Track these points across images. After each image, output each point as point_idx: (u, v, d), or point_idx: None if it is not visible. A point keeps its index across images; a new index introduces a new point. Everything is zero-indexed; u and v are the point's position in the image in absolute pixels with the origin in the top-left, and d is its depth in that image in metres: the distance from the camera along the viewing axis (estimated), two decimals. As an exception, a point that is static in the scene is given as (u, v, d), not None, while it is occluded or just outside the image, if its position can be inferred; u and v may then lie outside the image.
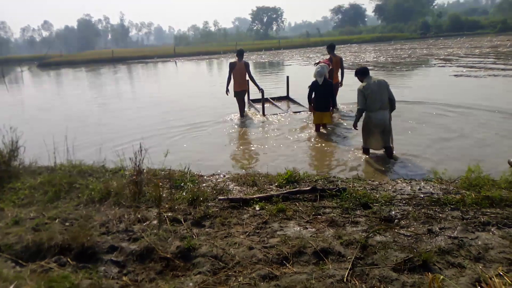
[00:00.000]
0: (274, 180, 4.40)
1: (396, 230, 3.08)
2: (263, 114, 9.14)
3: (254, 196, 3.86)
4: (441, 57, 23.03)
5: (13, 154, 4.70)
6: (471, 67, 16.86)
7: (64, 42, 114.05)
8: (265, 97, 9.39)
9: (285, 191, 3.94)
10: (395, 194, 3.88)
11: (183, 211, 3.59)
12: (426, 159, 5.62)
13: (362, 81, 5.67)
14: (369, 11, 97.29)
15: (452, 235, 2.98)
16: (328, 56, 8.89)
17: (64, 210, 3.64)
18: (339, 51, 37.28)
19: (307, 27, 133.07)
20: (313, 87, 7.17)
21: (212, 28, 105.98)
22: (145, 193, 3.96)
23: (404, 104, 8.95)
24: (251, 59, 34.52)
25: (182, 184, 4.28)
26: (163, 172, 4.74)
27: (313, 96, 7.16)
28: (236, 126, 8.53)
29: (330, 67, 8.11)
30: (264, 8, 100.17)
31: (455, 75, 14.62)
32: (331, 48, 8.95)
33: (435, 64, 19.46)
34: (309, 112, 8.50)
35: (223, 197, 3.89)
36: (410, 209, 3.46)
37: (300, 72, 20.42)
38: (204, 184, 4.41)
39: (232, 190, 4.18)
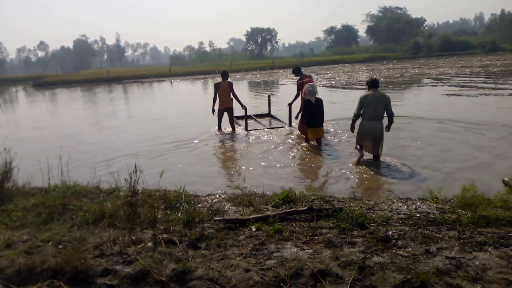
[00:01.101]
0: (270, 200, 4.38)
1: (393, 251, 3.06)
2: (246, 130, 9.78)
3: (250, 216, 3.83)
4: (433, 77, 23.46)
5: (7, 176, 4.65)
6: (463, 86, 17.18)
7: (59, 62, 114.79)
8: (249, 114, 10.25)
9: (281, 212, 3.92)
10: (391, 214, 3.87)
11: (178, 233, 3.54)
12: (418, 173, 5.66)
13: (369, 90, 6.40)
14: (361, 32, 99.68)
15: (450, 255, 2.97)
16: (300, 78, 9.12)
17: (57, 232, 3.58)
18: (333, 70, 37.92)
19: (301, 47, 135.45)
20: (307, 105, 7.52)
21: (208, 49, 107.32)
22: (140, 214, 3.92)
23: (403, 119, 9.50)
24: (245, 78, 34.89)
25: (177, 205, 4.24)
26: (158, 193, 4.70)
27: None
28: (222, 142, 8.95)
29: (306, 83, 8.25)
30: (258, 29, 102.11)
31: (447, 94, 14.87)
32: (297, 70, 9.41)
33: (427, 84, 19.81)
34: (288, 128, 9.73)
35: (219, 217, 3.86)
36: (407, 229, 3.45)
37: (294, 91, 20.64)
38: (199, 205, 4.37)
39: (228, 211, 4.15)
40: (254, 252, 3.15)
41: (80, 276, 2.85)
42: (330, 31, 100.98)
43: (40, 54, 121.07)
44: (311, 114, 7.50)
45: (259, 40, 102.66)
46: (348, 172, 6.05)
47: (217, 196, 4.79)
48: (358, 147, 6.55)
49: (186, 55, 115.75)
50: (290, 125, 10.01)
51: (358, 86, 20.35)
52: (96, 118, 14.89)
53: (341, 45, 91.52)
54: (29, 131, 12.56)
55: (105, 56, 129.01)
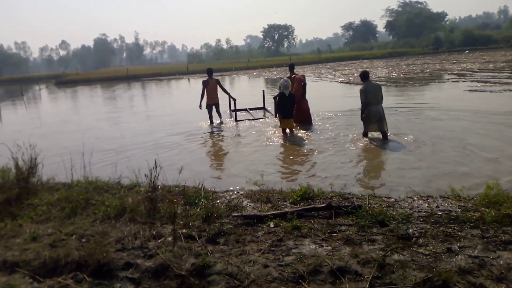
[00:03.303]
0: (288, 196, 4.38)
1: (414, 249, 3.02)
2: (235, 121, 10.80)
3: (269, 213, 3.84)
4: (455, 72, 22.88)
5: (32, 171, 4.79)
6: (486, 82, 16.69)
7: (80, 61, 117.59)
8: (245, 108, 11.99)
9: (299, 208, 3.91)
10: (412, 211, 3.81)
11: (197, 228, 3.59)
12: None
13: (363, 83, 7.64)
14: (380, 27, 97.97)
15: (473, 254, 2.91)
16: (293, 75, 10.10)
17: (80, 226, 3.68)
18: (351, 67, 37.48)
19: (318, 43, 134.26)
20: (281, 98, 8.55)
21: (225, 46, 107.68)
22: (160, 209, 3.98)
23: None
24: (262, 75, 34.86)
25: (196, 201, 4.29)
26: (177, 188, 4.76)
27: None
28: (209, 135, 9.73)
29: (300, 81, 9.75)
30: (275, 25, 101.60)
31: (469, 90, 14.48)
32: (291, 67, 10.52)
33: (448, 79, 19.32)
34: (273, 118, 10.58)
35: (237, 213, 3.88)
36: (428, 227, 3.39)
37: (311, 88, 20.51)
38: (218, 201, 4.41)
39: (246, 207, 4.17)
40: (273, 248, 3.16)
41: (102, 269, 2.92)
42: (348, 26, 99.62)
43: (62, 53, 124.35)
44: (284, 106, 8.47)
45: (276, 37, 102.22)
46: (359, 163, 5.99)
47: (235, 192, 4.82)
48: (364, 137, 7.74)
49: (204, 52, 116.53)
50: (275, 116, 10.41)
51: (377, 82, 20.07)
52: (115, 114, 15.17)
53: (359, 41, 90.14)
54: (52, 128, 12.89)
55: (124, 55, 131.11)
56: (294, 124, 9.00)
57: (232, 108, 11.51)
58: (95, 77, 50.36)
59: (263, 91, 12.31)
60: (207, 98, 10.58)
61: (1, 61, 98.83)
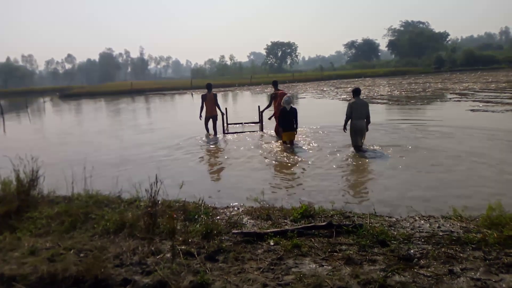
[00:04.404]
0: (289, 214, 4.35)
1: (415, 270, 2.98)
2: (223, 133, 11.65)
3: (269, 230, 3.81)
4: (457, 92, 22.99)
5: (33, 184, 4.80)
6: (488, 101, 16.75)
7: (85, 74, 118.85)
8: (242, 122, 13.22)
9: (300, 226, 3.88)
10: (413, 231, 3.78)
11: (196, 245, 3.56)
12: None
13: (353, 98, 8.35)
14: (383, 46, 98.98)
15: (475, 277, 2.86)
16: (277, 90, 11.16)
17: (79, 240, 3.66)
18: (353, 84, 37.73)
19: (321, 61, 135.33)
20: (282, 112, 9.12)
21: (228, 62, 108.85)
22: (159, 225, 3.96)
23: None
24: (265, 92, 35.11)
25: (196, 217, 4.26)
26: (177, 204, 4.74)
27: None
28: (207, 148, 10.11)
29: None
30: (278, 43, 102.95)
31: (471, 110, 14.51)
32: (275, 84, 11.80)
33: (450, 99, 19.41)
34: (260, 132, 11.65)
35: (237, 230, 3.86)
36: (429, 248, 3.35)
37: (312, 105, 20.67)
38: (218, 217, 4.39)
39: (246, 224, 4.14)
40: (272, 267, 3.13)
41: (100, 285, 2.90)
42: (350, 45, 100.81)
43: (67, 66, 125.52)
44: (286, 120, 9.04)
45: (279, 54, 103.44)
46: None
47: (235, 208, 4.79)
48: (353, 147, 8.33)
49: (207, 68, 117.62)
50: (261, 129, 11.93)
51: (379, 100, 20.17)
52: (117, 128, 15.24)
53: (361, 59, 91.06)
54: (55, 140, 12.95)
55: (129, 69, 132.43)
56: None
57: (226, 121, 12.28)
58: (100, 90, 50.86)
59: (259, 106, 12.69)
60: (206, 111, 11.43)
61: (7, 73, 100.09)
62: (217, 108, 11.49)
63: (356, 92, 8.40)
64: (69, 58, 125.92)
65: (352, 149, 8.36)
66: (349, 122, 8.31)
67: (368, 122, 8.27)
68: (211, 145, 10.42)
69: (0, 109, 25.31)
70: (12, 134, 15.84)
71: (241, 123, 13.23)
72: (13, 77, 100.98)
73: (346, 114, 8.25)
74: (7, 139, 14.73)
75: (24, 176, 4.76)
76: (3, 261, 3.30)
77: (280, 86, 13.00)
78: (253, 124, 12.85)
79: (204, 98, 11.39)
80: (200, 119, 11.55)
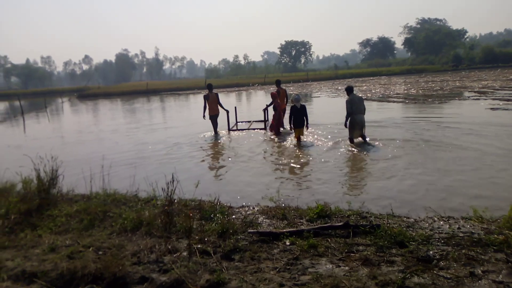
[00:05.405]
0: (305, 214, 4.33)
1: (435, 272, 2.92)
2: (228, 130, 12.17)
3: (284, 230, 3.80)
4: (475, 90, 22.46)
5: (53, 182, 4.90)
6: (508, 100, 16.31)
7: (102, 75, 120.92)
8: (251, 120, 13.76)
9: (316, 226, 3.86)
10: (432, 232, 3.71)
11: (213, 243, 3.57)
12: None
13: (348, 96, 8.86)
14: (398, 44, 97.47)
15: (497, 279, 2.79)
16: (275, 88, 11.79)
17: (98, 238, 3.72)
18: (368, 83, 37.34)
19: (335, 59, 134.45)
20: (292, 110, 9.49)
21: (242, 62, 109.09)
22: (176, 223, 3.99)
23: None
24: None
25: (212, 216, 4.28)
26: (193, 203, 4.78)
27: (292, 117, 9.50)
28: (213, 146, 10.41)
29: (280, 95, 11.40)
30: (292, 42, 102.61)
31: (491, 108, 14.16)
32: (277, 83, 12.21)
33: (469, 97, 18.96)
34: (267, 131, 11.84)
35: (253, 230, 3.86)
36: (449, 249, 3.28)
37: (327, 103, 20.51)
38: (233, 216, 4.40)
39: (261, 223, 4.14)
40: (288, 267, 3.11)
41: (118, 282, 2.93)
42: (365, 43, 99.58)
43: (85, 67, 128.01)
44: (295, 117, 9.44)
45: (293, 53, 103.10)
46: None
47: (251, 208, 4.80)
48: (350, 142, 8.86)
49: (221, 68, 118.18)
50: (265, 127, 12.30)
51: (395, 99, 19.85)
52: (131, 127, 15.43)
53: (377, 57, 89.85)
54: (73, 139, 13.19)
55: (145, 69, 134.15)
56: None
57: (234, 120, 12.87)
58: (116, 91, 51.63)
59: (266, 105, 12.82)
60: (209, 110, 11.73)
61: (27, 75, 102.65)
62: (219, 107, 11.83)
63: (349, 89, 9.01)
64: (86, 59, 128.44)
65: (350, 144, 8.84)
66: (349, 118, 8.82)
67: (363, 113, 8.90)
68: (215, 142, 10.78)
69: (21, 109, 25.99)
70: (32, 134, 16.22)
71: (249, 121, 13.68)
72: (32, 78, 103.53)
73: (347, 111, 8.73)
74: (27, 138, 15.08)
75: (44, 175, 4.86)
76: (24, 258, 3.38)
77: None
78: (261, 122, 13.12)
79: (206, 98, 11.73)
80: (204, 119, 11.85)
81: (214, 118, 11.86)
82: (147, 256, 3.34)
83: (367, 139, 9.01)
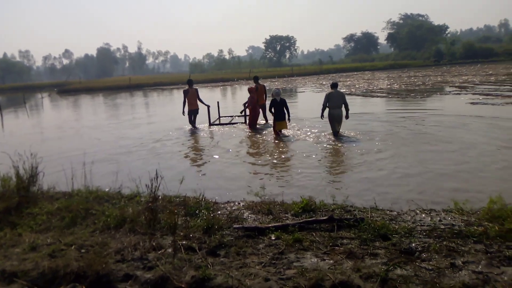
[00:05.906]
0: (290, 208, 4.35)
1: (417, 263, 2.98)
2: (209, 125, 12.25)
3: (270, 225, 3.80)
4: (456, 85, 22.94)
5: (32, 180, 4.78)
6: (487, 94, 16.71)
7: (83, 70, 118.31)
8: (232, 115, 13.84)
9: (301, 221, 3.88)
10: (414, 225, 3.78)
11: (198, 240, 3.55)
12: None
13: (331, 89, 9.40)
14: (382, 39, 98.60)
15: (476, 270, 2.87)
16: (254, 85, 11.99)
17: (80, 236, 3.65)
18: (352, 78, 37.70)
19: (320, 54, 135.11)
20: (272, 103, 9.77)
21: (227, 56, 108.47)
22: (160, 220, 3.95)
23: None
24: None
25: (197, 212, 4.26)
26: (178, 199, 4.74)
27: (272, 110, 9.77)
28: (193, 140, 10.58)
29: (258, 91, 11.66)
30: (277, 36, 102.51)
31: (471, 103, 14.49)
32: (255, 79, 12.42)
33: (450, 92, 19.36)
34: (242, 125, 11.98)
35: (238, 225, 3.85)
36: (431, 241, 3.35)
37: (311, 98, 20.62)
38: (219, 212, 4.38)
39: (247, 218, 4.14)
40: (274, 261, 3.12)
41: (101, 281, 2.89)
42: (349, 38, 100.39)
43: (65, 61, 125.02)
44: (276, 110, 9.68)
45: (278, 48, 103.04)
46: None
47: (236, 203, 4.79)
48: (334, 136, 9.26)
49: (206, 62, 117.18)
50: (245, 121, 12.28)
51: (379, 94, 20.10)
52: (113, 121, 15.19)
53: (360, 52, 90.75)
54: (53, 136, 12.90)
55: (127, 64, 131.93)
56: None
57: (217, 115, 13.18)
58: (98, 86, 50.63)
59: (244, 105, 12.90)
60: (188, 105, 11.84)
61: (4, 69, 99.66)
62: (199, 102, 11.90)
63: (334, 85, 9.50)
64: (67, 53, 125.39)
65: (331, 136, 9.23)
66: (327, 112, 9.31)
67: (347, 109, 9.26)
68: (196, 137, 10.83)
69: (-2, 105, 25.25)
70: (10, 130, 15.79)
71: (232, 116, 13.76)
72: (10, 73, 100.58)
73: (323, 104, 9.30)
74: (5, 134, 14.67)
75: (24, 172, 4.74)
76: (4, 257, 3.30)
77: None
78: (243, 117, 13.07)
79: (185, 93, 11.81)
80: (184, 115, 11.94)
81: (193, 113, 11.94)
82: (131, 254, 3.30)
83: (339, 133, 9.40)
